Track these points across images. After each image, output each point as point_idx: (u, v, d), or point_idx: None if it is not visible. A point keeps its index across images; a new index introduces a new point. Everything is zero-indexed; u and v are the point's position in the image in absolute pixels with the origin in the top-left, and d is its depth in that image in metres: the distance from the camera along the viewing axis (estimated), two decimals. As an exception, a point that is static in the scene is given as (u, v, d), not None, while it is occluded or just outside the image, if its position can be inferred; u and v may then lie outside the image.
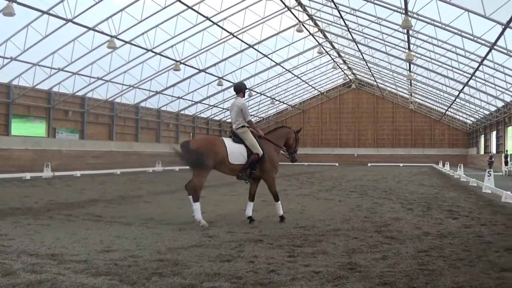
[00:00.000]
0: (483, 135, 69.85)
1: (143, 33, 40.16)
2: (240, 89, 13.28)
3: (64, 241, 9.86)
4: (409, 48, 40.72)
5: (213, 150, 12.34)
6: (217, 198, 18.91)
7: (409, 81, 57.66)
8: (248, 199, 13.12)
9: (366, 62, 57.94)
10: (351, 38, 47.52)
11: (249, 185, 13.31)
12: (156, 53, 43.96)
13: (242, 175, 12.73)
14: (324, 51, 55.50)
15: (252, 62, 54.36)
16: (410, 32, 36.67)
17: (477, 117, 68.20)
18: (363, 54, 53.39)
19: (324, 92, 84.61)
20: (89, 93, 50.05)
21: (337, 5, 38.74)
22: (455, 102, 61.33)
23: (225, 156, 12.45)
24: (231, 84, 57.68)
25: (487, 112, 60.09)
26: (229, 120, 79.73)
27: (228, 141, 12.85)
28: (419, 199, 19.44)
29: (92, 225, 11.95)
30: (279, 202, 13.22)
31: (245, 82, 55.74)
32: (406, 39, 39.36)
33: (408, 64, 47.99)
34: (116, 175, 39.98)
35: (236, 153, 12.59)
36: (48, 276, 7.05)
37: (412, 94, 69.43)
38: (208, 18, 39.90)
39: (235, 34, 45.17)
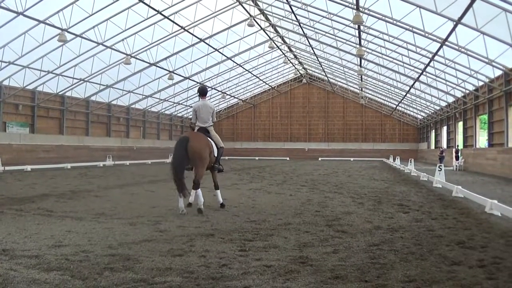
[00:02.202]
0: (433, 130, 70.67)
1: (94, 27, 39.68)
2: (207, 91, 14.92)
3: (15, 236, 9.74)
4: (360, 43, 41.04)
5: (209, 145, 13.99)
6: (166, 192, 18.83)
7: (360, 76, 58.11)
8: (215, 188, 14.72)
9: (317, 57, 58.30)
10: (302, 33, 47.78)
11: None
12: (107, 47, 43.53)
13: (218, 166, 14.58)
14: (275, 46, 55.54)
15: (203, 56, 54.27)
16: (361, 27, 36.98)
17: (427, 112, 69.03)
18: (314, 49, 53.71)
19: (275, 87, 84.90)
20: (39, 86, 49.26)
21: (288, 0, 38.89)
22: (406, 97, 62.03)
23: (213, 150, 14.12)
24: (182, 78, 57.65)
25: (437, 108, 60.86)
26: (179, 114, 79.66)
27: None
28: (370, 193, 19.63)
29: (43, 220, 11.82)
30: (219, 190, 14.84)
31: (196, 76, 55.97)
32: (357, 35, 39.65)
33: (359, 59, 48.37)
34: (67, 170, 39.53)
35: (215, 147, 14.27)
36: (0, 271, 6.98)
37: (363, 89, 69.95)
38: (159, 12, 39.68)
39: (186, 28, 45.02)
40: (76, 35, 39.19)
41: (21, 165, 40.20)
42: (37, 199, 16.59)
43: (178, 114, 80.00)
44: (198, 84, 62.05)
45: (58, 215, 12.70)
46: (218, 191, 14.72)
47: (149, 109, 70.66)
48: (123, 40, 43.84)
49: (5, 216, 12.43)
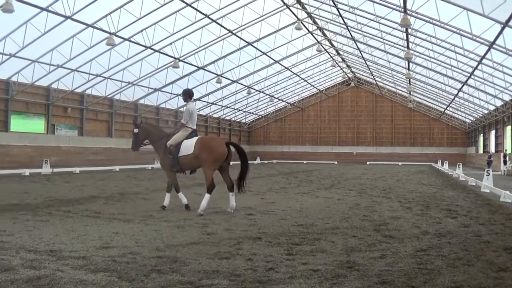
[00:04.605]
0: (482, 134, 69.68)
1: (142, 30, 40.07)
2: (193, 94, 15.48)
3: (63, 237, 9.87)
4: (408, 47, 40.71)
5: None
6: (214, 196, 18.89)
7: (408, 79, 57.58)
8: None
9: (365, 60, 57.88)
10: (350, 36, 47.48)
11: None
12: (155, 50, 43.87)
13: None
14: (323, 49, 55.40)
15: (251, 60, 54.40)
16: (409, 30, 36.66)
17: (476, 116, 68.07)
18: (362, 52, 53.33)
19: (323, 90, 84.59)
20: (88, 89, 50.00)
21: (336, 3, 38.68)
22: (454, 101, 61.26)
23: None
24: (230, 81, 57.79)
25: (486, 111, 60.01)
26: (228, 118, 80.00)
27: None
28: (418, 198, 19.43)
29: (91, 222, 11.96)
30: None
31: (244, 79, 56.12)
32: (405, 38, 39.35)
33: (407, 62, 47.96)
34: (115, 172, 39.98)
35: None
36: (47, 272, 7.06)
37: (411, 92, 69.35)
38: (207, 16, 39.82)
39: (234, 32, 45.14)
40: (124, 39, 39.58)
41: (70, 167, 40.75)
42: (85, 201, 16.79)
43: (226, 118, 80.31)
44: (246, 87, 62.30)
45: (106, 217, 12.84)
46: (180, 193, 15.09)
47: (197, 113, 70.85)
48: (171, 44, 44.14)
49: (53, 218, 12.60)
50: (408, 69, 50.76)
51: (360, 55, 55.10)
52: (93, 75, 45.80)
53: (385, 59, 53.08)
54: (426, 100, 75.55)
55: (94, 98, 51.59)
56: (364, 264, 7.90)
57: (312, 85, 77.42)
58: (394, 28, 38.90)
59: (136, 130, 15.39)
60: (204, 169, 14.20)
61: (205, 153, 13.99)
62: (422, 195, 20.61)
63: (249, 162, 14.77)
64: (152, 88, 54.27)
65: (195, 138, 14.43)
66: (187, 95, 15.13)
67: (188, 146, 14.27)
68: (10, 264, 7.43)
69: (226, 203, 14.70)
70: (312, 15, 47.60)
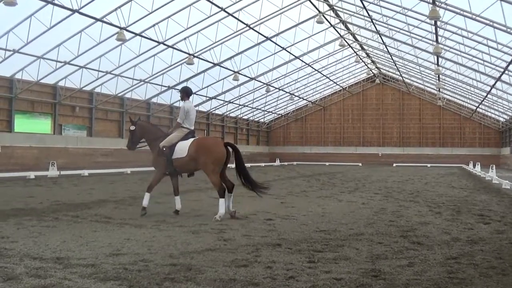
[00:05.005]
0: (517, 134, 69.23)
1: (154, 25, 40.13)
2: (191, 93, 15.54)
3: (71, 244, 9.91)
4: (437, 41, 40.53)
5: None
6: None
7: (437, 75, 57.38)
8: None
9: (391, 56, 57.67)
10: (374, 29, 47.35)
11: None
12: (168, 46, 44.02)
13: None
14: (346, 44, 55.30)
15: (269, 56, 54.38)
16: (438, 23, 36.51)
17: (510, 114, 67.59)
18: (387, 47, 53.11)
19: (346, 88, 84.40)
20: (97, 88, 50.24)
21: (360, -6, 38.67)
22: (486, 98, 60.83)
23: None
24: (248, 78, 57.83)
25: (521, 109, 59.69)
26: (245, 117, 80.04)
27: None
28: (448, 202, 19.33)
29: (100, 227, 12.00)
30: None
31: (262, 76, 56.15)
32: (433, 31, 39.17)
33: (436, 57, 47.75)
34: (127, 174, 40.10)
35: None
36: (53, 281, 7.08)
37: (440, 89, 69.02)
38: (222, 9, 39.84)
39: (251, 26, 45.13)
40: (136, 34, 39.70)
41: (78, 169, 40.79)
42: (94, 205, 16.87)
43: (243, 117, 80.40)
44: (265, 85, 62.30)
45: (116, 222, 12.88)
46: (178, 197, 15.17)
47: (213, 112, 71.21)
48: (185, 39, 44.23)
49: (60, 223, 12.66)
50: (437, 64, 50.54)
51: (386, 50, 54.89)
52: (103, 72, 46.01)
53: (412, 54, 52.86)
54: (456, 98, 75.13)
55: (103, 97, 51.80)
56: (390, 272, 7.86)
57: (334, 82, 77.18)
58: (422, 21, 38.76)
59: (132, 128, 15.43)
60: (207, 174, 14.21)
61: (203, 157, 14.01)
62: (452, 199, 20.51)
63: (243, 163, 14.76)
64: (165, 86, 54.43)
65: (191, 140, 14.44)
66: (185, 93, 15.18)
67: (183, 149, 14.28)
68: (14, 273, 7.45)
69: (243, 208, 14.71)
70: (335, 7, 47.56)
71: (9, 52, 37.38)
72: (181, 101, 15.34)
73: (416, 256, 9.17)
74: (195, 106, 62.60)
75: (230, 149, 14.50)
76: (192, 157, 14.08)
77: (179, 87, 53.91)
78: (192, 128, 14.95)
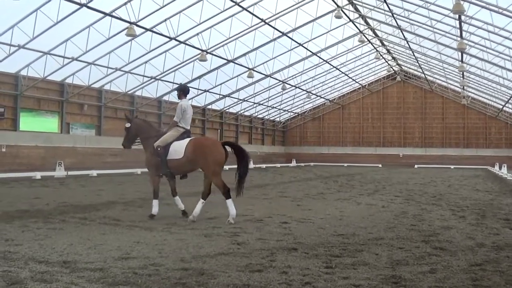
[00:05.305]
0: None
1: (165, 20, 40.12)
2: (188, 91, 15.39)
3: (78, 247, 9.94)
4: (461, 36, 40.38)
5: None
6: (246, 201, 18.92)
7: (461, 73, 57.14)
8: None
9: (412, 52, 57.53)
10: (395, 25, 47.25)
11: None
12: (180, 42, 44.03)
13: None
14: (365, 40, 55.21)
15: (285, 52, 54.34)
16: (462, 17, 36.38)
17: (538, 113, 67.35)
18: (409, 42, 53.01)
19: (365, 85, 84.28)
20: (106, 85, 50.33)
21: (380, -12, 38.62)
22: (514, 96, 60.69)
23: None
24: (263, 76, 57.78)
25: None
26: (260, 116, 80.00)
27: None
28: (473, 205, 19.23)
29: (109, 230, 12.05)
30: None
31: (278, 73, 56.01)
32: (457, 26, 39.05)
33: (460, 53, 47.60)
34: (137, 175, 40.24)
35: None
36: (59, 285, 7.11)
37: (465, 87, 68.80)
38: (237, 3, 39.82)
39: (266, 21, 45.08)
40: (146, 29, 39.70)
41: (86, 169, 41.07)
42: (103, 207, 16.92)
43: (258, 116, 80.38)
44: (281, 82, 62.24)
45: (125, 225, 12.92)
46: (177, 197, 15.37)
47: (227, 110, 71.29)
48: (197, 34, 44.21)
49: (67, 225, 12.72)
50: (462, 61, 50.37)
51: (407, 45, 54.80)
52: (112, 69, 46.11)
53: (435, 50, 52.73)
54: (482, 96, 74.77)
55: (113, 94, 51.91)
56: (411, 279, 7.84)
57: (353, 80, 77.10)
58: (446, 15, 38.64)
59: (128, 125, 15.45)
60: (209, 177, 14.21)
61: (202, 159, 14.01)
62: (477, 203, 20.42)
63: (249, 165, 14.75)
64: (177, 84, 54.06)
65: (187, 140, 14.38)
66: (182, 91, 15.13)
67: (178, 149, 14.25)
68: (18, 277, 7.48)
69: (258, 211, 14.69)
70: (354, 1, 47.48)
71: (14, 47, 37.36)
72: (178, 100, 15.25)
73: (439, 262, 9.14)
74: (208, 104, 63.15)
75: (229, 149, 14.54)
76: (190, 158, 14.07)
77: (192, 84, 54.46)
78: (188, 127, 14.94)
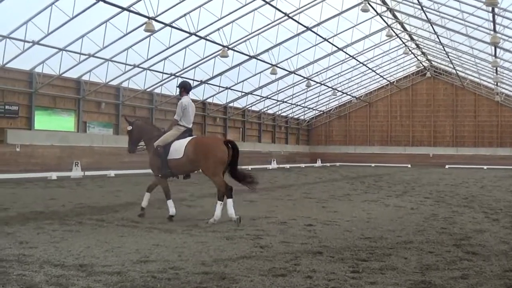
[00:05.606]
0: None
1: (185, 14, 40.03)
2: (190, 88, 15.56)
3: (95, 250, 10.00)
4: (494, 30, 40.14)
5: None
6: (269, 202, 18.93)
7: (494, 68, 56.85)
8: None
9: (443, 47, 57.23)
10: (425, 18, 47.01)
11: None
12: (201, 37, 44.03)
13: None
14: (393, 34, 54.99)
15: (310, 47, 54.19)
16: (496, 10, 36.17)
17: None
18: (439, 37, 52.75)
19: (394, 82, 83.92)
20: (124, 82, 50.41)
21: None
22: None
23: None
24: (287, 72, 57.73)
25: None
26: (284, 114, 79.91)
27: None
28: (507, 208, 19.15)
29: (127, 232, 12.12)
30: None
31: (302, 70, 55.89)
32: (491, 19, 38.81)
33: (493, 48, 47.34)
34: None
35: None
36: (76, 289, 7.15)
37: (498, 83, 68.37)
38: (259, -3, 39.87)
39: (290, 15, 44.95)
40: (165, 24, 39.69)
41: (104, 170, 41.22)
42: (121, 208, 17.01)
43: (282, 114, 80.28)
44: (305, 79, 62.15)
45: (144, 227, 12.98)
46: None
47: (249, 108, 71.31)
48: (218, 29, 44.15)
49: (84, 227, 12.80)
50: (495, 56, 50.09)
51: (438, 40, 54.53)
52: (130, 65, 46.16)
53: (467, 45, 52.43)
54: (516, 93, 74.44)
55: (131, 92, 52.00)
56: (442, 285, 7.81)
57: (381, 76, 76.83)
58: (478, 8, 38.41)
59: (129, 128, 15.55)
60: (209, 177, 14.36)
61: (203, 159, 14.07)
62: (511, 205, 20.33)
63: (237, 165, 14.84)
64: (197, 81, 54.44)
65: (188, 139, 14.46)
66: (183, 88, 15.21)
67: (179, 149, 14.33)
68: (33, 281, 7.53)
69: (281, 213, 14.70)
70: (381, -6, 47.38)
71: (28, 43, 37.25)
72: (180, 97, 15.35)
73: (471, 267, 9.10)
74: (230, 102, 63.16)
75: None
76: (190, 158, 14.16)
77: (213, 81, 54.51)
78: (190, 126, 15.05)
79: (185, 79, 15.82)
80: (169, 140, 14.52)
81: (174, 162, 14.35)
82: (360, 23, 51.74)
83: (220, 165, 14.17)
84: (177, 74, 50.96)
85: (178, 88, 15.46)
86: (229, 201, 13.93)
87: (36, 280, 7.59)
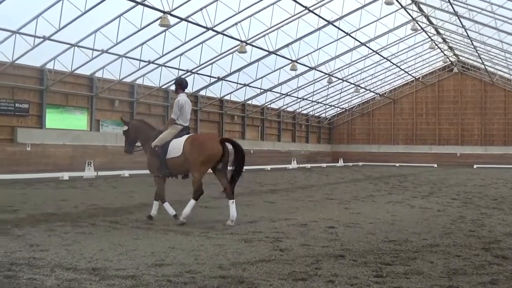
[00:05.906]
0: None
1: (201, 9, 40.00)
2: (186, 85, 15.76)
3: (108, 253, 10.05)
4: (525, 23, 40.01)
5: None
6: (289, 204, 18.93)
7: (525, 63, 56.65)
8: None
9: (471, 41, 56.98)
10: (452, 11, 46.84)
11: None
12: (218, 32, 44.02)
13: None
14: (419, 28, 54.81)
15: (332, 42, 53.98)
16: (527, 3, 36.04)
17: None
18: (467, 30, 52.53)
19: (419, 78, 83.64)
20: (138, 79, 50.47)
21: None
22: None
23: None
24: (307, 68, 57.62)
25: None
26: (304, 112, 79.82)
27: None
28: (538, 209, 19.06)
29: (142, 234, 12.16)
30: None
31: (323, 66, 55.77)
32: (521, 12, 38.70)
33: (524, 42, 47.17)
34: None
35: None
36: (88, 294, 7.18)
37: (530, 79, 68.15)
38: (279, -10, 39.84)
39: (311, 9, 44.88)
40: (181, 19, 39.67)
41: (117, 170, 41.31)
42: (135, 209, 17.08)
43: (302, 112, 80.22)
44: (327, 75, 62.04)
45: (160, 229, 13.02)
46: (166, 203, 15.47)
47: (268, 106, 71.28)
48: (236, 24, 44.10)
49: (97, 229, 12.85)
50: (526, 50, 49.93)
51: (465, 34, 54.30)
52: (145, 62, 46.15)
53: (496, 39, 52.15)
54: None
55: (146, 89, 52.06)
56: (470, 290, 7.77)
57: (406, 72, 76.51)
58: (508, 0, 38.25)
59: (125, 128, 15.61)
60: (191, 171, 14.47)
61: (195, 154, 14.13)
62: (543, 206, 20.23)
63: (244, 165, 14.84)
64: (214, 77, 54.52)
65: (185, 137, 14.55)
66: (179, 85, 15.30)
67: (177, 147, 14.41)
68: (44, 285, 7.58)
69: (301, 214, 14.68)
70: (406, -14, 47.25)
71: (39, 39, 37.23)
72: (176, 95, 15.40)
73: (501, 272, 9.06)
74: (248, 99, 63.13)
75: (230, 147, 14.60)
76: (187, 156, 14.23)
77: (231, 78, 54.52)
78: (187, 124, 15.22)
79: (180, 76, 15.89)
80: (167, 139, 14.63)
81: (173, 161, 14.47)
82: (384, 16, 51.55)
83: (208, 163, 14.30)
84: (193, 71, 50.99)
85: (174, 86, 15.61)
86: (230, 202, 14.21)
87: (47, 284, 7.63)
